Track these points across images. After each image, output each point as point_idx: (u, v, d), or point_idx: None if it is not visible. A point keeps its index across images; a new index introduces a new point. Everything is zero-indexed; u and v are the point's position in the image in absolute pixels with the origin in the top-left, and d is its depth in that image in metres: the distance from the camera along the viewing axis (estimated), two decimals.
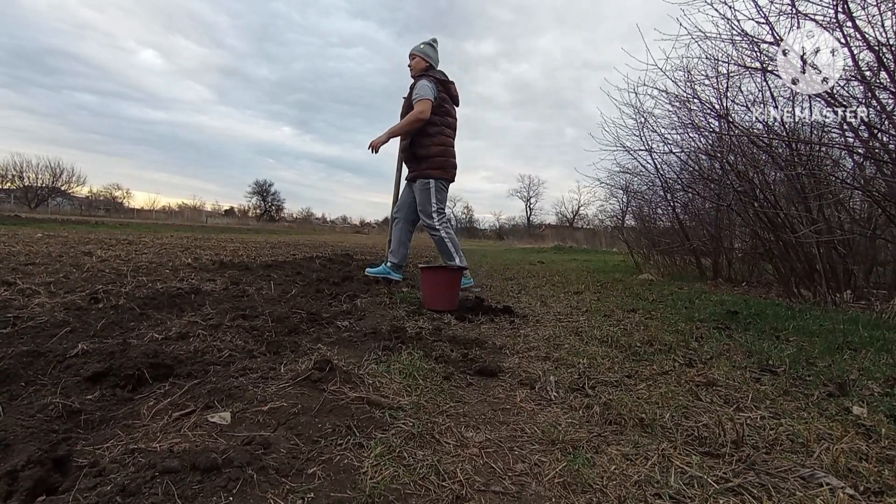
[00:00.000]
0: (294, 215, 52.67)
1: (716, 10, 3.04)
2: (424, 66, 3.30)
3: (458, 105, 3.44)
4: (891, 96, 2.65)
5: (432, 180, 3.19)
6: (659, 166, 4.98)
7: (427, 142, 3.19)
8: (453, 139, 3.36)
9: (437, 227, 3.22)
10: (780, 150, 3.30)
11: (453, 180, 3.35)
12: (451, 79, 3.36)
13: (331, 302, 2.47)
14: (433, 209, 3.20)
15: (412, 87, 3.23)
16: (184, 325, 1.66)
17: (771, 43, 2.93)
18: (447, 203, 3.46)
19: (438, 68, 3.36)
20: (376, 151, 3.29)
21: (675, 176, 4.97)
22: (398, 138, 3.34)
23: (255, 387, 1.11)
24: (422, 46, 3.33)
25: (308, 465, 0.82)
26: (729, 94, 3.46)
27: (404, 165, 3.46)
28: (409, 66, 3.37)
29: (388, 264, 3.43)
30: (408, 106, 3.26)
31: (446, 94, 3.28)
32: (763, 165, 3.48)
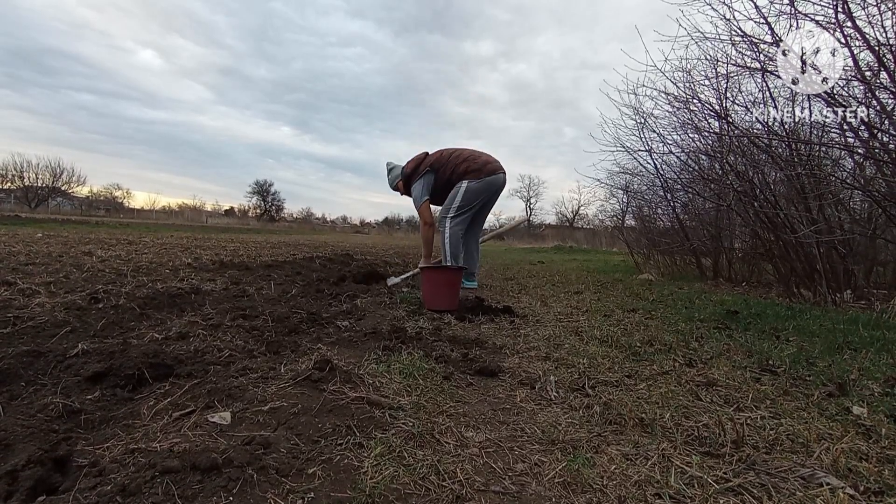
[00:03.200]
0: (294, 215, 52.59)
1: (715, 10, 3.05)
2: (403, 179, 3.53)
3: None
4: (891, 96, 2.65)
5: (465, 182, 3.32)
6: (659, 166, 4.98)
7: (454, 179, 3.34)
8: (470, 149, 3.49)
9: (445, 225, 3.34)
10: (780, 151, 3.29)
11: (496, 174, 3.36)
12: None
13: (331, 302, 2.47)
14: (454, 205, 3.33)
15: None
16: (184, 325, 1.66)
17: (770, 43, 2.93)
18: (491, 210, 3.60)
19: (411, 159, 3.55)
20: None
21: (675, 176, 4.97)
22: (431, 228, 3.49)
23: (256, 387, 1.12)
24: (390, 178, 3.64)
25: (308, 465, 0.82)
26: (728, 95, 3.46)
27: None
28: (401, 195, 3.64)
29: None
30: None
31: (433, 157, 3.46)
32: (763, 165, 3.48)
